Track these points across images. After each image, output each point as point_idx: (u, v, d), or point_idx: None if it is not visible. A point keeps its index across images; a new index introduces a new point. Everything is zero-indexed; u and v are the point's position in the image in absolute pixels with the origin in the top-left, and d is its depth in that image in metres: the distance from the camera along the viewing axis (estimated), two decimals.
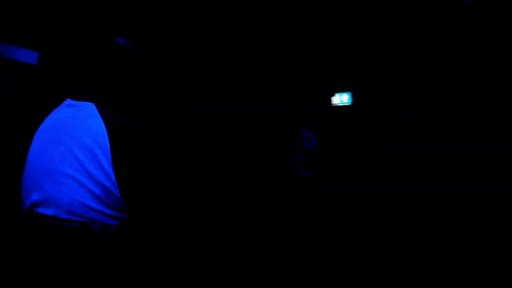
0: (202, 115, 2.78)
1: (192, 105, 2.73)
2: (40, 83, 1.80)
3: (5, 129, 1.60)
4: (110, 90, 0.83)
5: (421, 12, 2.49)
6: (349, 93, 3.19)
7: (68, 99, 0.79)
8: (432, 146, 2.80)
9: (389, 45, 2.88)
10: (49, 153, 0.71)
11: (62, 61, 1.91)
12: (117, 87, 0.84)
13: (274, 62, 3.13)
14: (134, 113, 0.82)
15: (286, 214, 1.51)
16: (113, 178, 0.66)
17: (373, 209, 2.47)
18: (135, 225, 0.70)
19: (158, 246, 0.74)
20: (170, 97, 2.58)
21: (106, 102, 0.77)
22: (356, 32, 2.73)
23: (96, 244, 0.66)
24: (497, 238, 2.11)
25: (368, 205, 2.48)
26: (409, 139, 2.90)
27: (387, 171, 2.83)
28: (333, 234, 1.64)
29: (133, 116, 0.76)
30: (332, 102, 3.25)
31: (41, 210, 0.68)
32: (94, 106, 0.74)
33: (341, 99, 3.24)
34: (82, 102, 0.76)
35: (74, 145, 0.69)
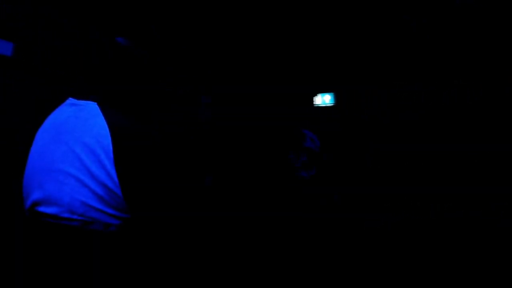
0: (202, 115, 2.78)
1: (192, 105, 2.73)
2: (40, 83, 1.80)
3: (5, 129, 1.60)
4: (110, 90, 0.83)
5: (421, 12, 2.49)
6: (332, 93, 3.19)
7: (70, 98, 0.79)
8: (432, 146, 2.80)
9: (389, 45, 2.88)
10: (50, 152, 0.71)
11: (62, 61, 1.91)
12: (117, 87, 0.84)
13: (274, 62, 3.13)
14: (134, 113, 0.82)
15: (287, 214, 1.51)
16: (115, 178, 0.66)
17: (373, 209, 2.47)
18: (136, 225, 0.70)
19: (160, 245, 0.74)
20: (170, 97, 2.58)
21: (106, 102, 0.77)
22: (356, 32, 2.73)
23: (97, 243, 0.66)
24: (498, 238, 2.11)
25: (369, 205, 2.48)
26: (409, 139, 2.90)
27: (387, 171, 2.83)
28: (334, 233, 1.63)
29: (133, 116, 0.76)
30: (314, 103, 3.25)
31: (42, 208, 0.68)
32: (96, 106, 0.74)
33: (323, 99, 3.24)
34: (84, 102, 0.76)
35: (75, 144, 0.69)
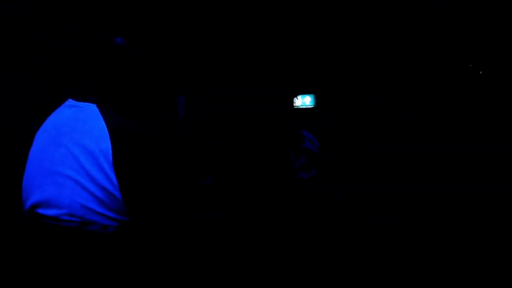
0: (202, 115, 2.78)
1: (192, 105, 2.73)
2: (40, 83, 1.80)
3: (5, 129, 1.60)
4: (110, 90, 0.83)
5: (421, 12, 2.49)
6: (312, 95, 3.20)
7: (70, 99, 0.79)
8: (432, 146, 2.80)
9: (389, 45, 2.88)
10: (49, 154, 0.71)
11: (62, 61, 1.91)
12: (117, 87, 0.84)
13: (274, 62, 3.13)
14: (134, 114, 0.82)
15: (286, 214, 1.51)
16: (115, 181, 0.66)
17: (373, 209, 2.47)
18: (136, 227, 0.70)
19: (160, 248, 0.74)
20: (170, 97, 2.58)
21: (106, 103, 0.77)
22: (356, 32, 2.73)
23: (97, 244, 0.66)
24: (498, 238, 2.11)
25: (369, 205, 2.48)
26: (409, 139, 2.90)
27: (387, 171, 2.83)
28: (334, 233, 1.63)
29: (133, 117, 0.76)
30: (294, 104, 3.27)
31: (42, 211, 0.68)
32: (95, 108, 0.74)
33: (303, 101, 3.25)
34: (84, 103, 0.76)
35: (74, 147, 0.69)
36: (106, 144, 0.68)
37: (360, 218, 2.22)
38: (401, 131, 2.95)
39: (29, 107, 1.72)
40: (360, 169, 2.86)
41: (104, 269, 0.67)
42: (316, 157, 1.65)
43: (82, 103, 0.77)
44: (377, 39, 2.81)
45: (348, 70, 3.21)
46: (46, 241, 0.67)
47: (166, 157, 0.76)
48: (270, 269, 1.43)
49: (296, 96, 3.25)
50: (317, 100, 3.20)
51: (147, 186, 0.70)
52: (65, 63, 1.92)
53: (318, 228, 1.57)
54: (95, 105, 0.76)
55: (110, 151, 0.67)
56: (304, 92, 3.29)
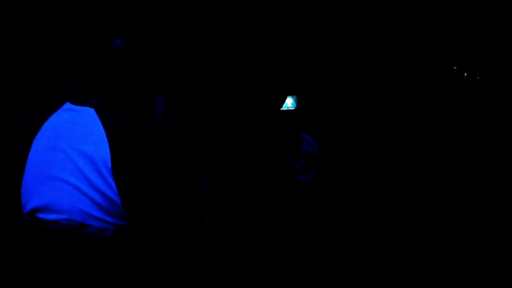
0: (202, 115, 2.78)
1: (192, 105, 2.73)
2: (40, 83, 1.80)
3: (5, 129, 1.60)
4: (110, 91, 0.83)
5: (421, 12, 2.49)
6: (294, 97, 3.19)
7: (67, 103, 0.78)
8: (432, 146, 2.80)
9: (389, 45, 2.88)
10: (48, 159, 0.71)
11: (62, 61, 1.90)
12: (117, 88, 0.84)
13: (275, 62, 3.13)
14: (134, 114, 0.82)
15: (286, 215, 1.51)
16: (114, 186, 0.66)
17: (373, 210, 2.47)
18: (136, 229, 0.70)
19: (160, 250, 0.74)
20: (170, 97, 2.58)
21: (105, 104, 0.77)
22: (356, 32, 2.73)
23: (97, 247, 0.66)
24: (498, 238, 2.11)
25: (368, 206, 2.48)
26: (409, 139, 2.90)
27: (387, 171, 2.83)
28: (334, 234, 1.63)
29: (133, 118, 0.76)
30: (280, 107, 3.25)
31: (41, 215, 0.69)
32: (93, 112, 0.74)
33: (285, 103, 3.24)
34: (82, 107, 0.76)
35: (73, 152, 0.69)
36: (105, 149, 0.68)
37: (360, 218, 2.22)
38: (401, 131, 2.95)
39: (29, 107, 1.72)
40: (360, 169, 2.86)
41: (104, 271, 0.67)
42: (315, 159, 1.65)
43: (79, 107, 0.77)
44: (377, 39, 2.81)
45: (348, 70, 3.21)
46: (45, 244, 0.68)
47: (166, 158, 0.76)
48: (270, 269, 1.43)
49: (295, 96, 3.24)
50: (299, 102, 3.18)
51: (147, 190, 0.70)
52: (65, 63, 1.92)
53: (318, 228, 1.58)
54: (93, 109, 0.75)
55: (109, 157, 0.67)
56: (304, 92, 3.29)
